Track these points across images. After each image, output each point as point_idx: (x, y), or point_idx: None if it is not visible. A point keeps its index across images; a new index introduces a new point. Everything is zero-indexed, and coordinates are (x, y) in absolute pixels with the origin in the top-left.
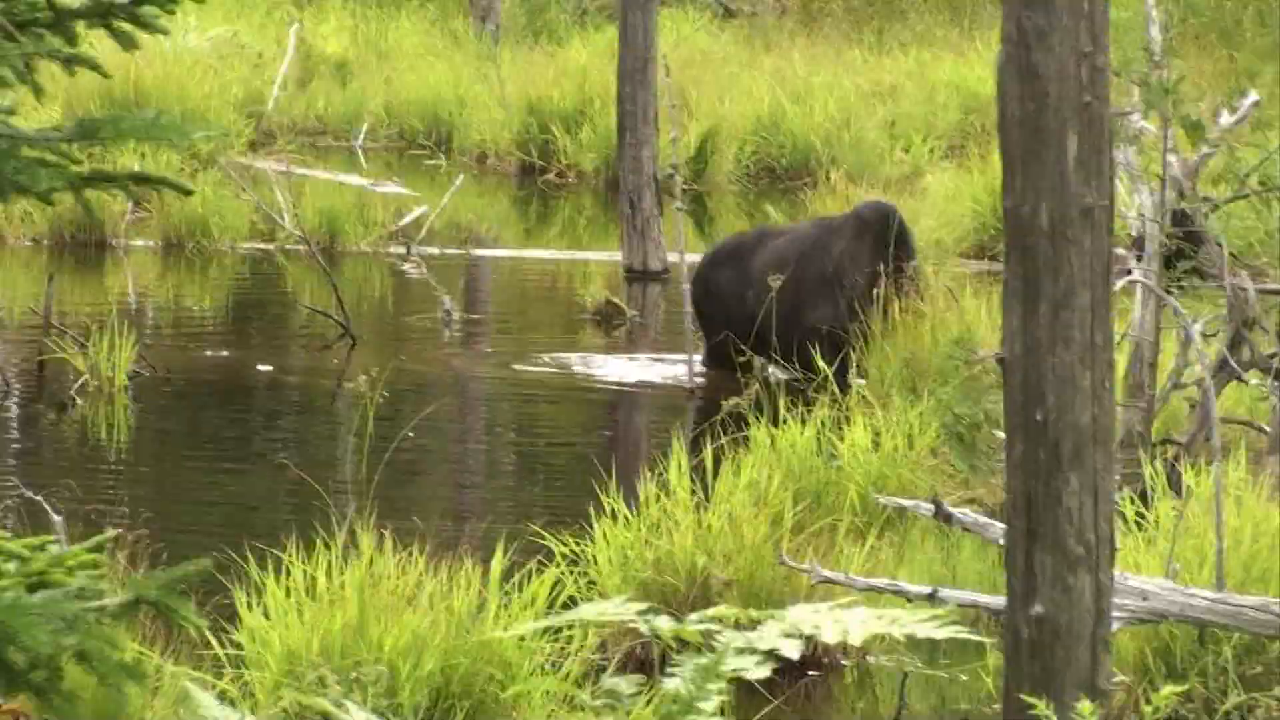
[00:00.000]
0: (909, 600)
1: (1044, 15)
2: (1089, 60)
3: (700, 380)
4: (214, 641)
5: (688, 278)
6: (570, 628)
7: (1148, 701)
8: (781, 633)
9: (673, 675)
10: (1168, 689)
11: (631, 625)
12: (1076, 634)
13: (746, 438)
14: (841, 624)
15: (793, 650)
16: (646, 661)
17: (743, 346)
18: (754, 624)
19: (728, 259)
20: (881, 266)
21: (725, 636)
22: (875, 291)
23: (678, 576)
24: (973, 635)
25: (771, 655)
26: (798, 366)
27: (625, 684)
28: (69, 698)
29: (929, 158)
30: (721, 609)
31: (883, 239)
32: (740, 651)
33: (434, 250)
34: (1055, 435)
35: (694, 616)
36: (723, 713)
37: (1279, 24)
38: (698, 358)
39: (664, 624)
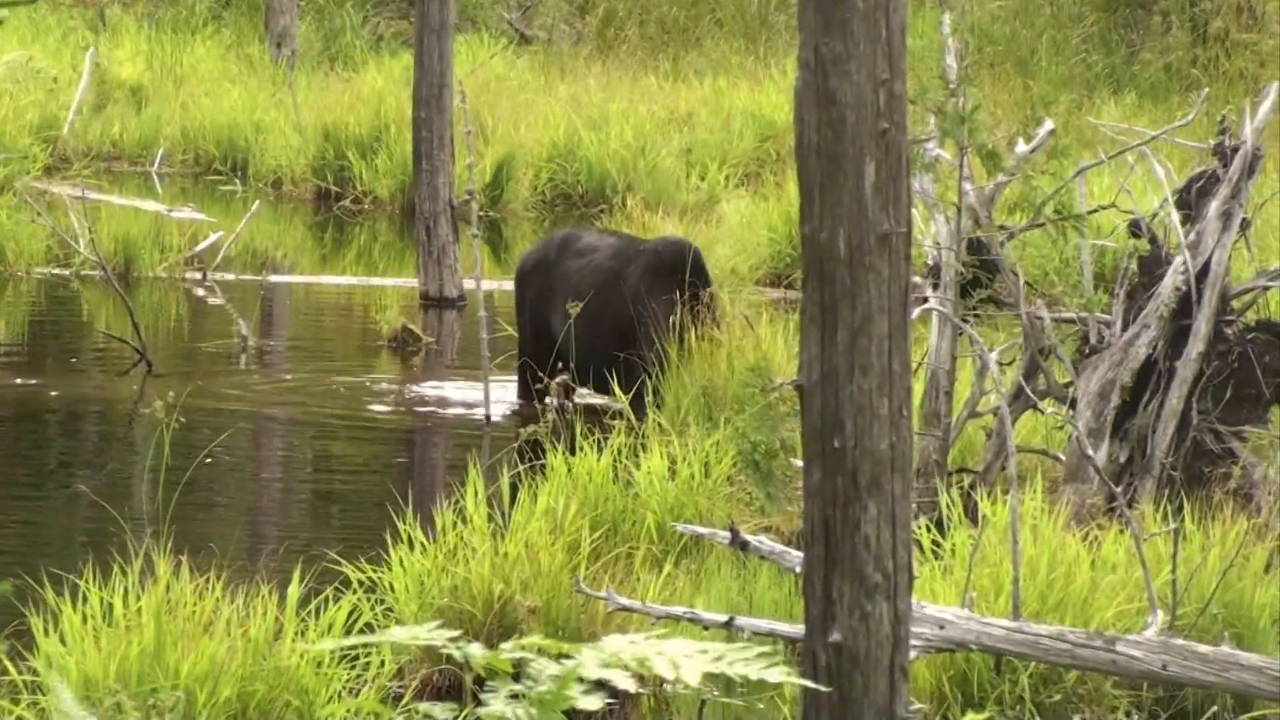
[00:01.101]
0: (705, 628)
1: (841, 42)
2: (886, 87)
3: (505, 407)
4: (10, 667)
5: (484, 304)
6: (366, 654)
7: None
8: (600, 663)
9: (493, 704)
10: (968, 717)
11: (440, 650)
12: (874, 661)
13: (543, 465)
14: (671, 659)
15: (626, 683)
16: (444, 689)
17: (540, 374)
18: (566, 655)
19: (534, 270)
20: (677, 295)
21: (538, 666)
22: (671, 320)
23: (475, 604)
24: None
25: (602, 686)
26: (594, 393)
27: (441, 710)
28: None
29: (725, 185)
30: (535, 639)
31: (678, 272)
32: (564, 681)
33: (230, 276)
34: (853, 462)
35: (507, 645)
36: None
37: (1073, 53)
38: (497, 382)
39: (476, 651)
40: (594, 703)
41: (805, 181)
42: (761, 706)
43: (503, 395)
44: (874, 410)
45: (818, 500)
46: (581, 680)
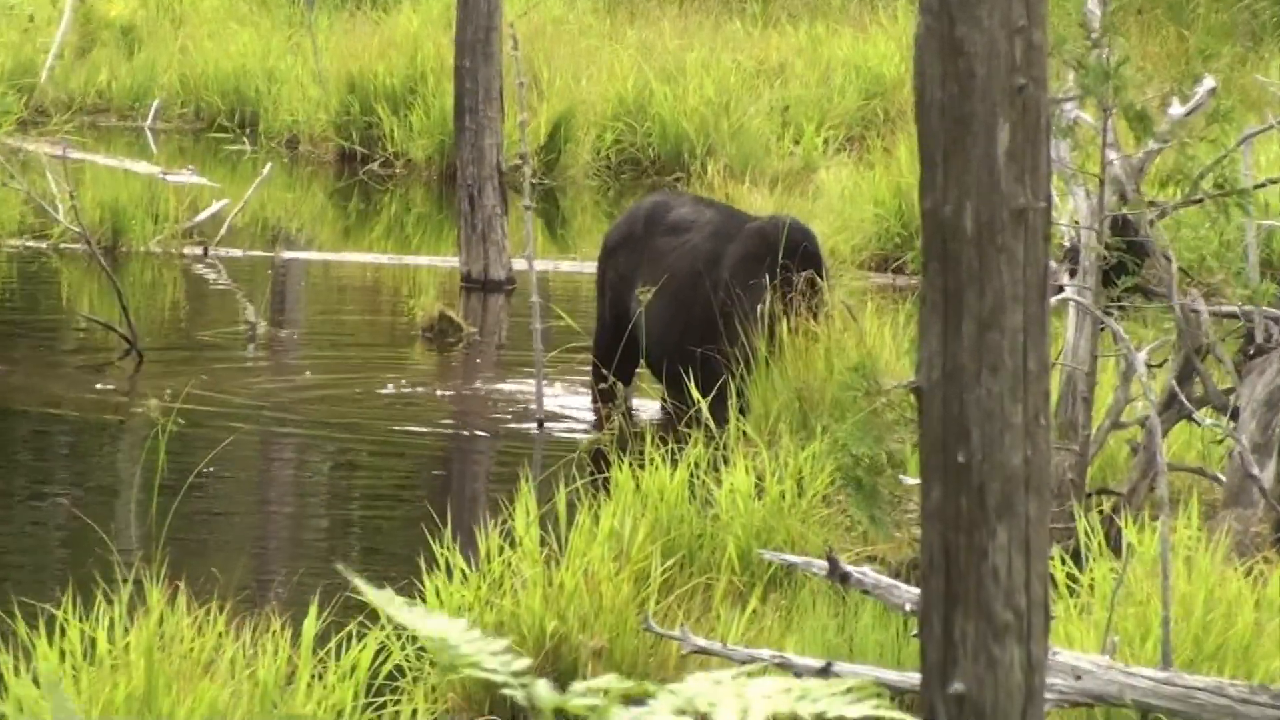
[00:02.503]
0: (798, 675)
1: None
2: (1024, 35)
3: (564, 411)
4: None
5: (537, 288)
6: (396, 701)
7: None
8: (674, 709)
9: None
10: None
11: (490, 695)
12: (1003, 716)
13: (607, 480)
14: (741, 699)
15: None
16: None
17: (604, 370)
18: (645, 698)
19: (618, 246)
20: (766, 280)
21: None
22: (761, 309)
23: (525, 643)
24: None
25: None
26: (669, 394)
27: None
28: None
29: (823, 150)
30: (609, 680)
31: (780, 259)
32: None
33: (236, 252)
34: (980, 479)
35: (578, 687)
36: None
37: None
38: (553, 381)
39: (544, 692)
40: None
41: (926, 147)
42: None
43: (559, 396)
44: (1006, 417)
45: (937, 524)
46: None
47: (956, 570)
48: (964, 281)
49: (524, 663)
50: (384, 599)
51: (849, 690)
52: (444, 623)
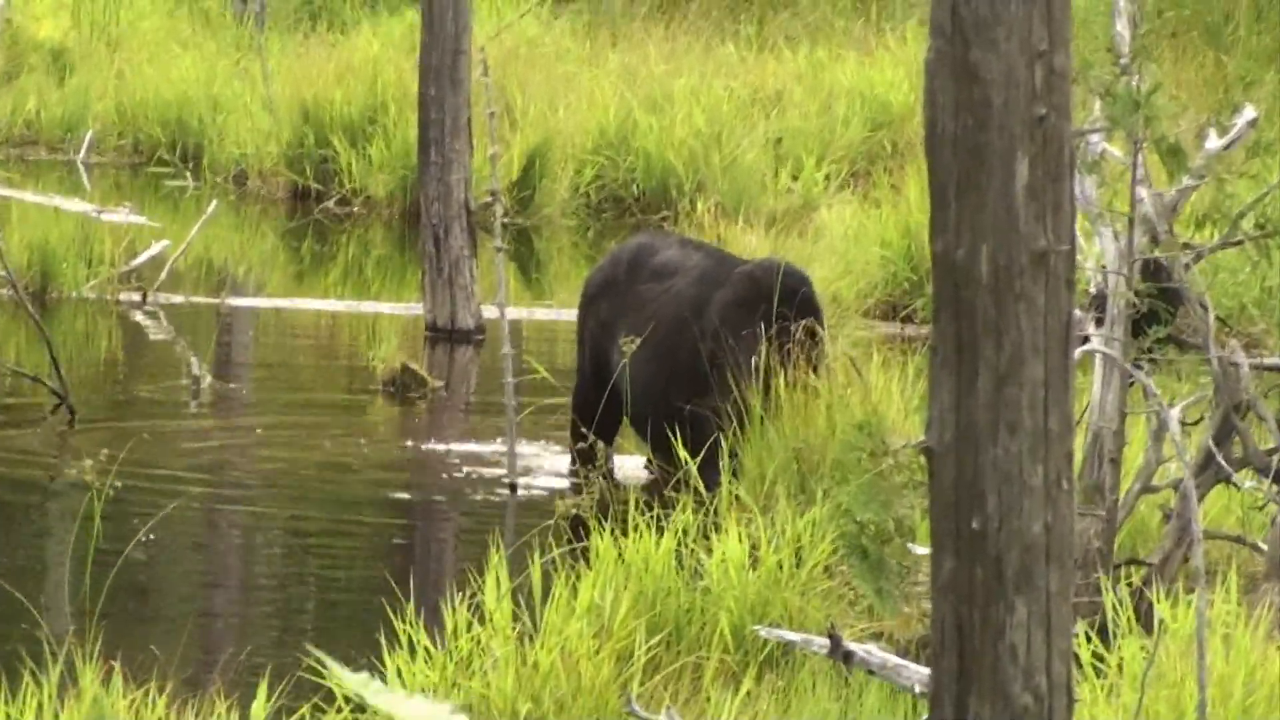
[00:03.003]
0: None
1: (987, 1)
2: (1045, 60)
3: (539, 473)
4: None
5: (509, 338)
6: None
7: None
8: None
9: None
10: None
11: None
12: None
13: (586, 549)
14: None
15: None
16: None
17: (583, 429)
18: None
19: (599, 293)
20: (762, 329)
21: None
22: (755, 361)
23: None
24: None
25: None
26: (655, 455)
27: None
28: None
29: (824, 186)
30: None
31: (773, 306)
32: None
33: (178, 298)
34: (997, 549)
35: None
36: None
37: None
38: (520, 445)
39: None
40: None
41: (937, 183)
42: None
43: (534, 457)
44: (1025, 480)
45: (950, 597)
46: None
47: (971, 648)
48: (979, 332)
49: None
50: (358, 681)
51: None
52: (426, 706)
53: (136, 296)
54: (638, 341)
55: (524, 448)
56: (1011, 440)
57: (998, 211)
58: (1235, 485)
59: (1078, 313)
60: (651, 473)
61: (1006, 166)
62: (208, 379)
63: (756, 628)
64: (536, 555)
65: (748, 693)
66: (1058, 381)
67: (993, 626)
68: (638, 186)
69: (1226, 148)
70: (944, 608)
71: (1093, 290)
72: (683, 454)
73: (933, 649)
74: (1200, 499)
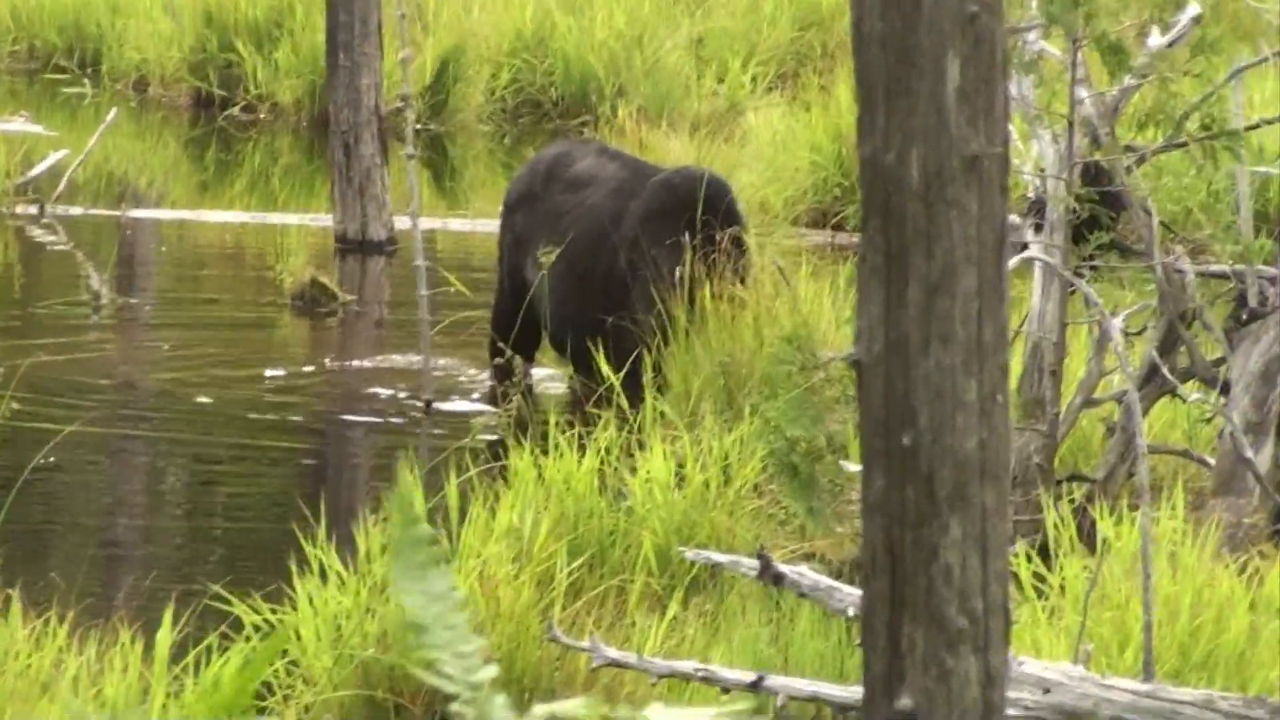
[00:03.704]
0: (725, 690)
1: None
2: None
3: (455, 390)
4: None
5: (422, 251)
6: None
7: None
8: None
9: None
10: None
11: (445, 700)
12: None
13: (505, 469)
14: None
15: None
16: None
17: (500, 344)
18: None
19: (516, 205)
20: (686, 239)
21: None
22: (679, 272)
23: (410, 656)
24: None
25: None
26: (575, 371)
27: None
28: None
29: (751, 89)
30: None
31: (691, 214)
32: None
33: (77, 210)
34: (929, 466)
35: (539, 711)
36: None
37: None
38: (435, 361)
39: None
40: None
41: (865, 86)
42: None
43: (449, 373)
44: (958, 395)
45: (880, 517)
46: None
47: (903, 570)
48: (909, 240)
49: (490, 671)
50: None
51: None
52: (425, 602)
53: (33, 209)
54: (555, 254)
55: (439, 364)
56: (944, 353)
57: (928, 114)
58: (1181, 397)
59: (1016, 219)
60: (572, 389)
61: (937, 67)
62: (108, 295)
63: (683, 549)
64: (453, 475)
65: (674, 617)
66: (992, 292)
67: (926, 547)
68: (556, 90)
69: (1169, 45)
70: (874, 528)
71: (1031, 195)
72: (604, 369)
73: (864, 571)
74: (1145, 412)
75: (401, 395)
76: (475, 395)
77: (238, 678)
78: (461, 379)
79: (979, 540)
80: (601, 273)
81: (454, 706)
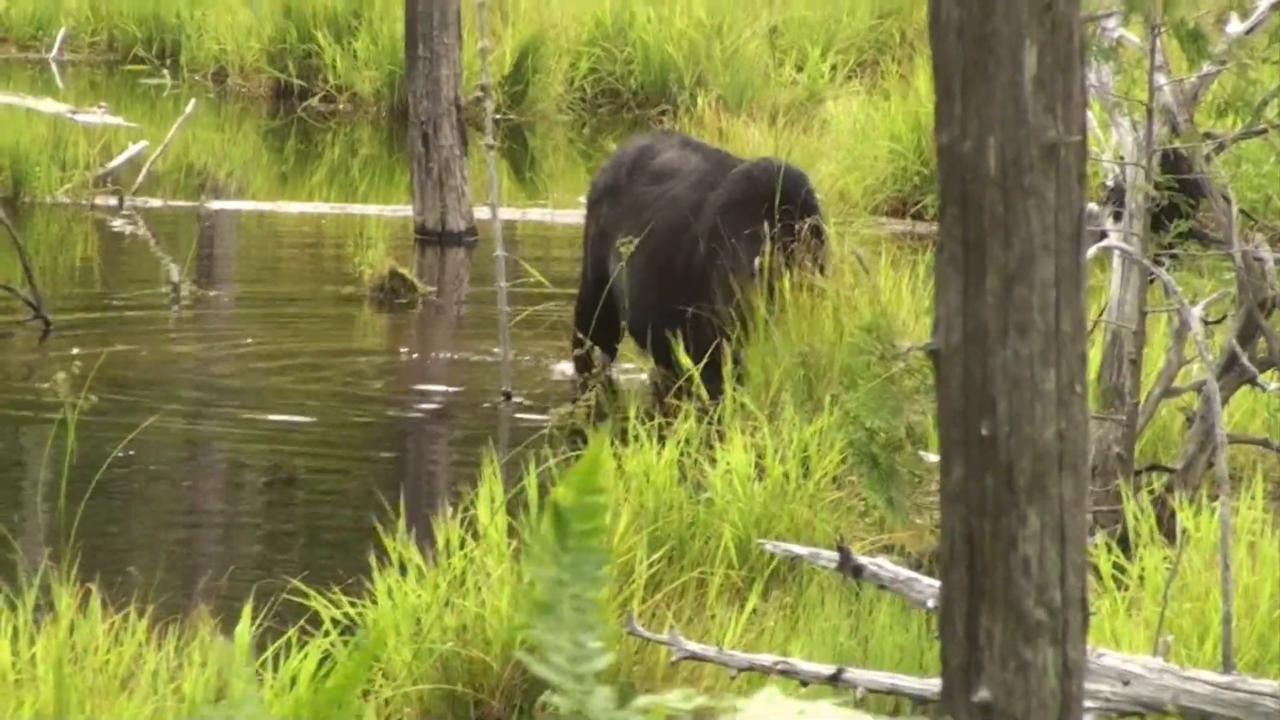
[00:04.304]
0: (804, 684)
1: None
2: None
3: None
4: None
5: (501, 242)
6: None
7: None
8: None
9: None
10: None
11: (543, 689)
12: None
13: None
14: None
15: None
16: None
17: (579, 335)
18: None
19: (601, 198)
20: (765, 230)
21: None
22: (758, 263)
23: (490, 650)
24: None
25: None
26: (655, 362)
27: None
28: None
29: (830, 78)
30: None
31: (770, 204)
32: None
33: (156, 202)
34: (1008, 456)
35: (641, 702)
36: None
37: None
38: (514, 353)
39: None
40: None
41: (942, 74)
42: None
43: (529, 365)
44: (1036, 385)
45: (959, 508)
46: None
47: (981, 561)
48: (986, 229)
49: (604, 660)
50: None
51: None
52: (563, 579)
53: (113, 201)
54: (634, 243)
55: (519, 355)
56: (1022, 343)
57: (1005, 102)
58: (1260, 386)
59: (1095, 207)
60: (653, 382)
61: (1014, 55)
62: (188, 286)
63: (762, 541)
64: (532, 467)
65: (754, 609)
66: (1069, 281)
67: (1004, 538)
68: (635, 80)
69: (1248, 32)
70: (953, 519)
71: (1110, 184)
72: (684, 360)
73: (941, 562)
74: (1224, 401)
75: (481, 387)
76: (554, 387)
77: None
78: (541, 370)
79: (1057, 531)
80: (681, 264)
81: (553, 697)
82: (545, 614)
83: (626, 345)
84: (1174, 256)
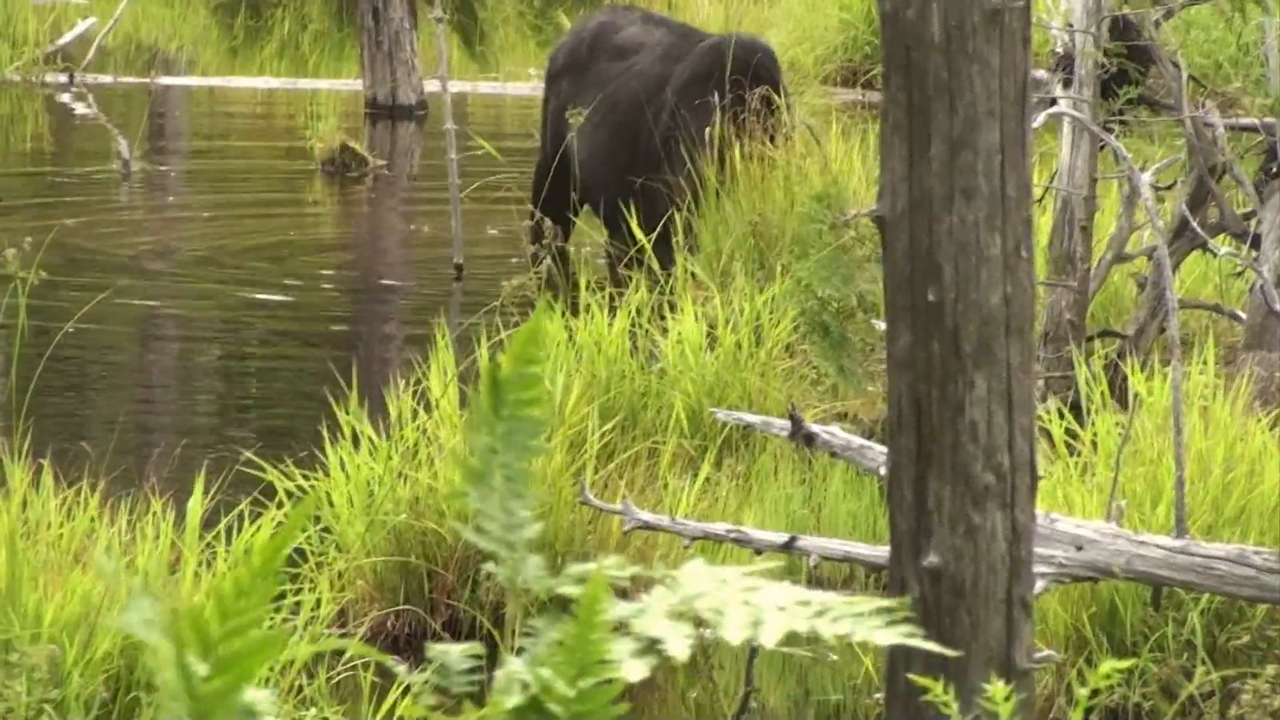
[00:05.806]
0: (758, 551)
1: None
2: None
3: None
4: None
5: (452, 115)
6: (296, 591)
7: (1084, 683)
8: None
9: (525, 656)
10: (1108, 665)
11: (482, 558)
12: (985, 593)
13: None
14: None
15: (680, 647)
16: (402, 638)
17: (530, 207)
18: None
19: (562, 70)
20: (716, 99)
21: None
22: (710, 132)
23: (443, 522)
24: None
25: (652, 648)
26: (609, 235)
27: (456, 655)
28: None
29: None
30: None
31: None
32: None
33: (106, 78)
34: (954, 321)
35: (574, 570)
36: None
37: None
38: (465, 225)
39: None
40: (640, 671)
41: None
42: (835, 658)
43: (480, 238)
44: (982, 250)
45: (906, 375)
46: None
47: (929, 426)
48: (931, 95)
49: (530, 530)
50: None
51: (883, 611)
52: (496, 448)
53: (63, 77)
54: (594, 120)
55: (469, 227)
56: (967, 208)
57: None
58: (1211, 251)
59: (1044, 75)
60: (606, 252)
61: None
62: (138, 162)
63: (714, 410)
64: (484, 339)
65: (706, 478)
66: (1014, 146)
67: (951, 403)
68: None
69: None
70: (900, 385)
71: (1059, 50)
72: (636, 230)
73: (889, 428)
74: (1175, 267)
75: (432, 258)
76: (505, 259)
77: (270, 544)
78: (492, 242)
79: (1004, 396)
80: (637, 135)
81: (489, 566)
82: (478, 482)
83: (584, 219)
84: (1124, 123)
